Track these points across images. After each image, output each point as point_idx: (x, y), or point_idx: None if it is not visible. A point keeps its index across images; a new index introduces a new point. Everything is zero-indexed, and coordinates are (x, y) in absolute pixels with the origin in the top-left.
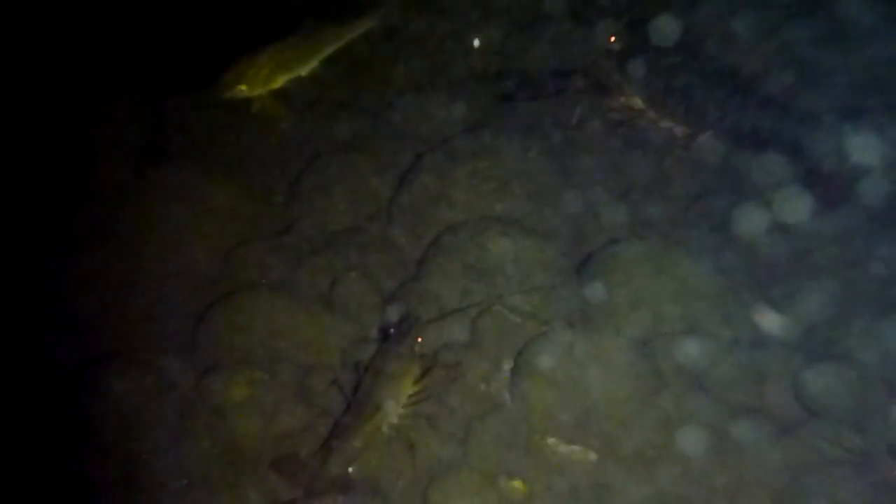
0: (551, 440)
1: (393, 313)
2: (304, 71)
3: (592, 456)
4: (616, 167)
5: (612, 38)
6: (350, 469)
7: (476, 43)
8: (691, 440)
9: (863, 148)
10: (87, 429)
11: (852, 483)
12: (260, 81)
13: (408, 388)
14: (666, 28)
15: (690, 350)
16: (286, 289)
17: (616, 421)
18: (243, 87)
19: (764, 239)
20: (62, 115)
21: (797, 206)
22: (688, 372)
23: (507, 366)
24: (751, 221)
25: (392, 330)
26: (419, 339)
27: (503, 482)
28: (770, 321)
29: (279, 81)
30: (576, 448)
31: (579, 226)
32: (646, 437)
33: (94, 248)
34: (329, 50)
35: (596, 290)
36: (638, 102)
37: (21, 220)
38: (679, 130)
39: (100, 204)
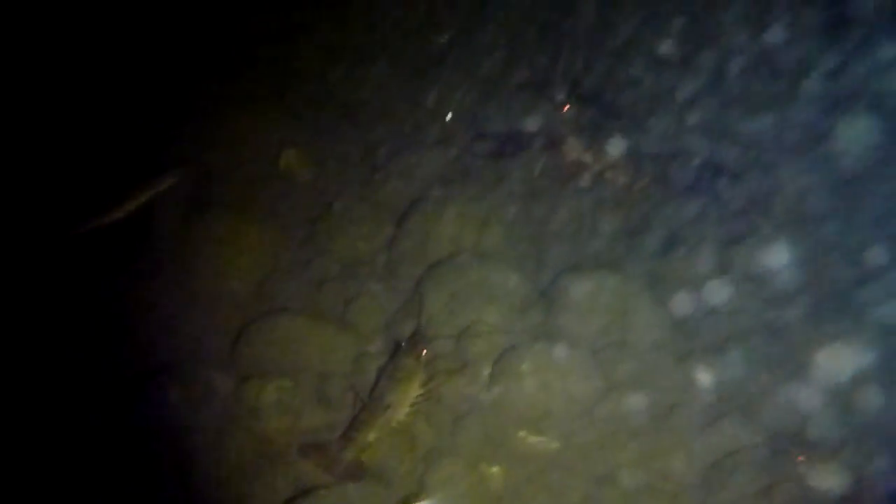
0: (521, 433)
1: (404, 329)
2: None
3: (555, 445)
4: (572, 208)
5: (567, 106)
6: (363, 457)
7: (448, 116)
8: (633, 431)
9: None
10: (145, 430)
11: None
12: None
13: (414, 390)
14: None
15: (632, 356)
16: (307, 311)
17: (573, 416)
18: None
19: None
20: (124, 169)
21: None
22: (629, 374)
23: (486, 372)
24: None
25: (403, 342)
26: (425, 351)
27: (483, 467)
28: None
29: None
30: (542, 439)
31: (541, 258)
32: (597, 428)
33: (153, 281)
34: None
35: (555, 310)
36: (588, 156)
37: (96, 258)
38: (622, 180)
39: (157, 245)
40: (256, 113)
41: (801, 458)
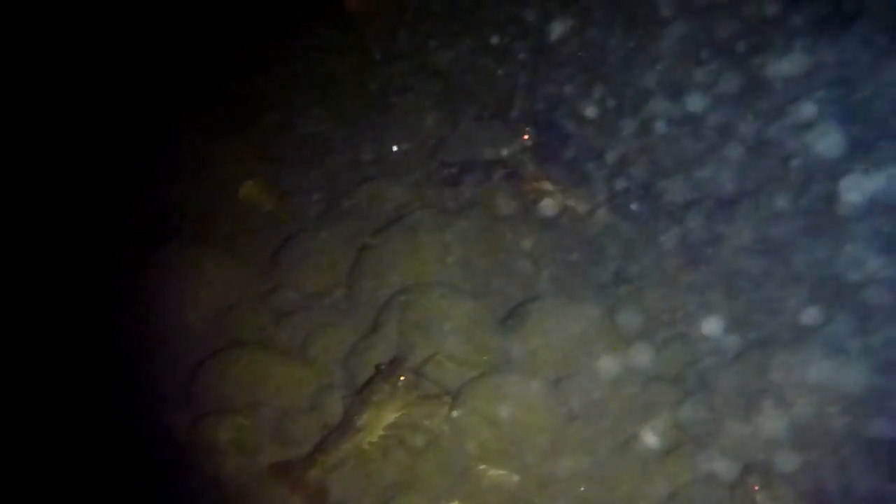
0: (482, 466)
1: (364, 361)
2: None
3: (515, 478)
4: (531, 237)
5: (526, 136)
6: (329, 477)
7: (394, 148)
8: (594, 462)
9: None
10: (101, 470)
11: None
12: None
13: (389, 415)
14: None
15: (592, 386)
16: (266, 344)
17: (534, 448)
18: None
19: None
20: (83, 204)
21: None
22: (591, 405)
23: (446, 405)
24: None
25: (383, 365)
26: (402, 377)
27: None
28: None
29: None
30: (502, 472)
31: (502, 287)
32: (558, 460)
33: (110, 315)
34: None
35: (516, 340)
36: (548, 185)
37: (52, 290)
38: (581, 207)
39: (113, 277)
40: (216, 144)
41: (756, 488)
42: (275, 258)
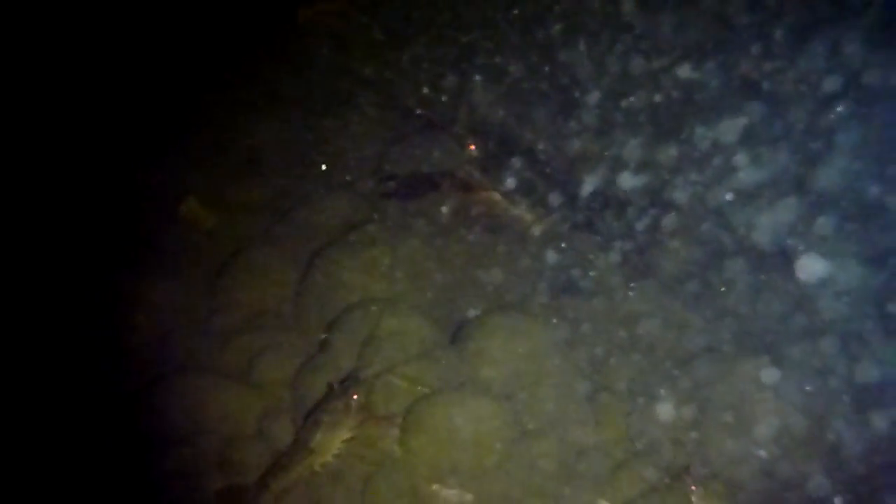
0: (434, 486)
1: (312, 382)
2: None
3: (468, 497)
4: (479, 250)
5: (472, 146)
6: (281, 501)
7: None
8: (546, 477)
9: None
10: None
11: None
12: None
13: (343, 435)
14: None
15: (543, 400)
16: (210, 369)
17: (486, 466)
18: None
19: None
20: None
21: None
22: (543, 420)
23: (398, 424)
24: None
25: (336, 385)
26: (355, 397)
27: None
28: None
29: None
30: (454, 492)
31: (450, 301)
32: (510, 477)
33: (46, 339)
34: None
35: (467, 356)
36: (495, 196)
37: None
38: (529, 217)
39: (50, 303)
40: (156, 160)
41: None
42: (218, 277)
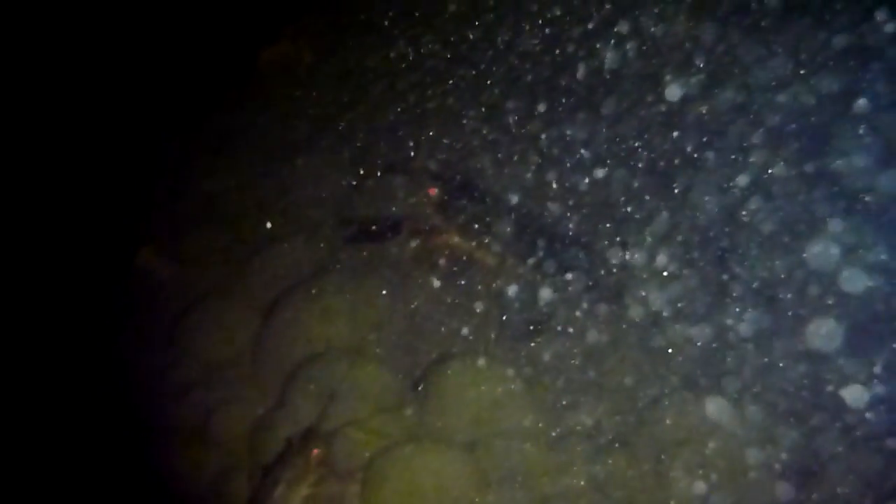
0: None
1: (270, 437)
2: None
3: None
4: (441, 295)
5: (432, 190)
6: None
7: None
8: None
9: None
10: None
11: None
12: None
13: (302, 492)
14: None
15: (507, 448)
16: (165, 425)
17: None
18: None
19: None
20: None
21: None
22: (505, 467)
23: (359, 478)
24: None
25: (294, 440)
26: (315, 451)
27: None
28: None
29: None
30: None
31: (412, 348)
32: None
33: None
34: None
35: (429, 405)
36: (455, 239)
37: None
38: (490, 260)
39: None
40: (110, 209)
41: None
42: (175, 329)
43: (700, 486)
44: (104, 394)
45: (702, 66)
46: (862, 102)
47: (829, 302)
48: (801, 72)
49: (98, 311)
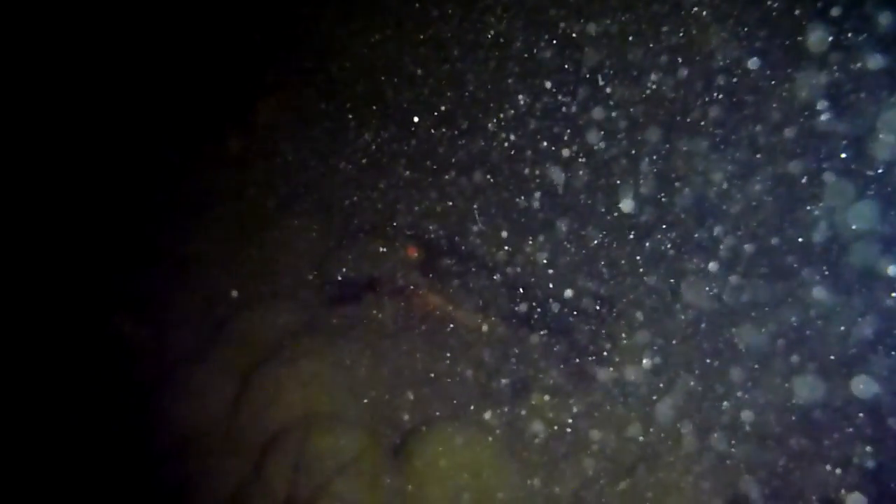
0: None
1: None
2: None
3: None
4: (421, 356)
5: (412, 250)
6: None
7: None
8: None
9: None
10: None
11: None
12: None
13: None
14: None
15: None
16: (138, 498)
17: None
18: None
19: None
20: None
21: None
22: None
23: None
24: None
25: None
26: None
27: None
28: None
29: None
30: None
31: (393, 413)
32: None
33: None
34: None
35: (409, 472)
36: (436, 300)
37: None
38: (471, 321)
39: None
40: (85, 270)
41: None
42: (149, 397)
43: None
44: (75, 464)
45: None
46: None
47: None
48: None
49: (70, 376)
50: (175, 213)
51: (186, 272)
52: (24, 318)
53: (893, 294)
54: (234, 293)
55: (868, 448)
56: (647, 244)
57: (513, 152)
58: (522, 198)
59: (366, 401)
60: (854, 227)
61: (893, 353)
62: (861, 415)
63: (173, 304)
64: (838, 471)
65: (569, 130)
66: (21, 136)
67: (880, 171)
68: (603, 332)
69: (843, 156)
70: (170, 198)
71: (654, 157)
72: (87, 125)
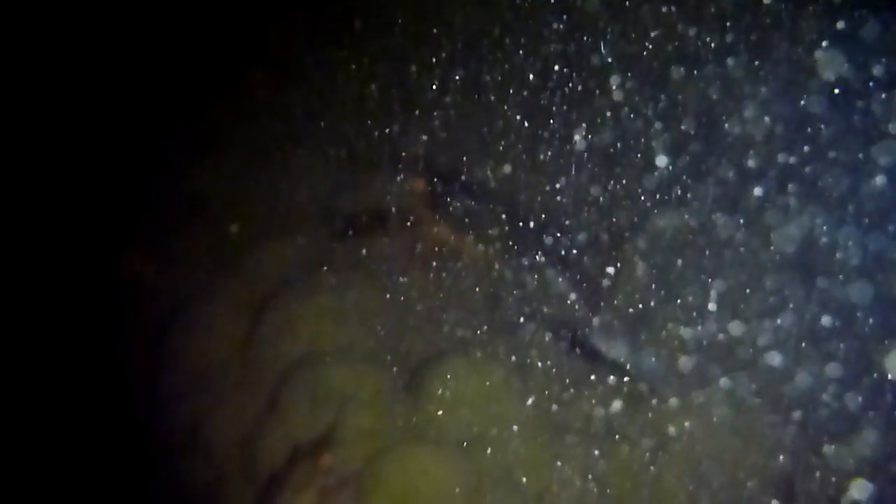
0: None
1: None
2: None
3: None
4: (429, 288)
5: (418, 182)
6: None
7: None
8: None
9: None
10: None
11: None
12: None
13: (309, 500)
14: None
15: (503, 445)
16: (154, 433)
17: None
18: None
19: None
20: None
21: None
22: (502, 465)
23: (354, 485)
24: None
25: (303, 447)
26: (324, 458)
27: None
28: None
29: None
30: None
31: (405, 346)
32: None
33: None
34: None
35: (422, 405)
36: (444, 232)
37: None
38: (479, 253)
39: None
40: (91, 211)
41: None
42: (162, 333)
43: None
44: (88, 402)
45: None
46: None
47: None
48: None
49: (81, 316)
50: (181, 150)
51: (193, 208)
52: (31, 259)
53: None
54: (242, 228)
55: None
56: (658, 177)
57: (522, 81)
58: (530, 128)
59: (377, 334)
60: None
61: None
62: None
63: (181, 242)
64: None
65: (583, 60)
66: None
67: None
68: (610, 263)
69: None
70: (176, 135)
71: (671, 93)
72: (88, 63)
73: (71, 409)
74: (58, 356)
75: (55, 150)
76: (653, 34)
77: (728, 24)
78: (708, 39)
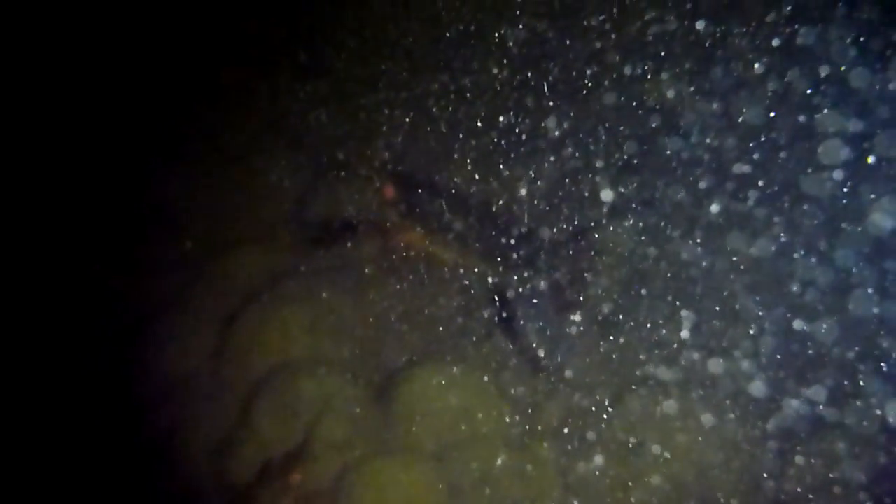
0: None
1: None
2: None
3: None
4: (401, 297)
5: (389, 188)
6: None
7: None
8: None
9: None
10: None
11: None
12: None
13: None
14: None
15: (475, 454)
16: (123, 446)
17: None
18: None
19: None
20: None
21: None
22: (474, 477)
23: (328, 494)
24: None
25: (273, 462)
26: (295, 475)
27: None
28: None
29: None
30: None
31: (378, 355)
32: None
33: None
34: None
35: (394, 414)
36: (414, 238)
37: None
38: (451, 258)
39: None
40: (57, 222)
41: None
42: (128, 346)
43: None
44: (54, 414)
45: None
46: None
47: None
48: None
49: (47, 325)
50: (145, 158)
51: (161, 217)
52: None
53: None
54: (212, 238)
55: None
56: (631, 182)
57: (494, 87)
58: (501, 133)
59: (348, 344)
60: None
61: None
62: None
63: (149, 252)
64: None
65: (553, 64)
66: None
67: None
68: (583, 268)
69: None
70: (143, 141)
71: (642, 92)
72: (55, 69)
73: (37, 422)
74: (23, 366)
75: (22, 158)
76: None
77: None
78: None
